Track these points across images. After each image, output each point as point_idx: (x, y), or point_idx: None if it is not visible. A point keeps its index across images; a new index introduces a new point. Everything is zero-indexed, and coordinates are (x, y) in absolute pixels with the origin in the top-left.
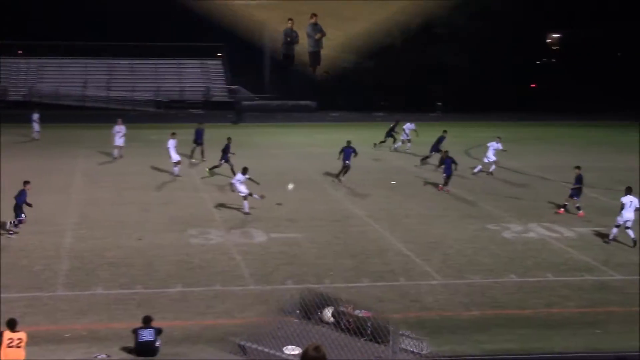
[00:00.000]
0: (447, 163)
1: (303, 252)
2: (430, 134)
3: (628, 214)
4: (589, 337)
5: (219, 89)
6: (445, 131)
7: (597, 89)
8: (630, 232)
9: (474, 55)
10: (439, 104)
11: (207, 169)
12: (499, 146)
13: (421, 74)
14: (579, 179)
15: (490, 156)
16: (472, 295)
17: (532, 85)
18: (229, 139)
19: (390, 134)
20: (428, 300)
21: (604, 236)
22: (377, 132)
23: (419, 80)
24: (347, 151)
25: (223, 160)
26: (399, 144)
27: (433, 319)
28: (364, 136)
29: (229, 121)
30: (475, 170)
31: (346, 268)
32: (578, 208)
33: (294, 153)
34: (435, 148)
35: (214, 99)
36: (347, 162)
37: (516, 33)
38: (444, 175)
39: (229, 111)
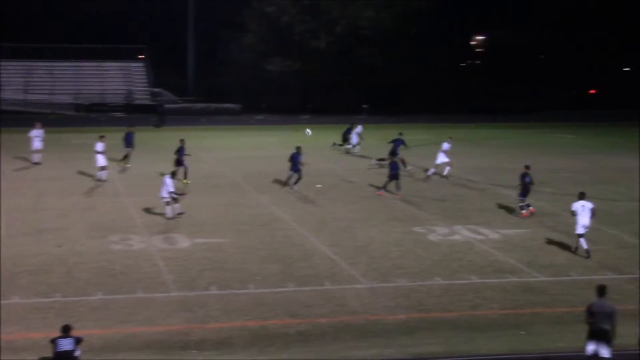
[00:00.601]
0: (394, 167)
1: (227, 257)
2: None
3: (583, 220)
4: (513, 338)
5: (141, 92)
6: (401, 133)
7: (520, 90)
8: (583, 242)
9: (400, 56)
10: (365, 105)
11: (182, 180)
12: (449, 147)
13: (347, 76)
14: (523, 177)
15: (442, 158)
16: (398, 299)
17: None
18: (181, 140)
19: (346, 137)
20: (354, 305)
21: (528, 238)
22: (303, 135)
23: (345, 82)
24: (297, 157)
25: (182, 165)
26: (349, 146)
27: (359, 323)
28: (290, 139)
29: (151, 124)
30: (429, 173)
31: (272, 273)
32: (521, 208)
33: (217, 157)
34: (394, 151)
35: (136, 102)
36: (296, 169)
37: (442, 35)
38: (388, 179)
39: (151, 114)
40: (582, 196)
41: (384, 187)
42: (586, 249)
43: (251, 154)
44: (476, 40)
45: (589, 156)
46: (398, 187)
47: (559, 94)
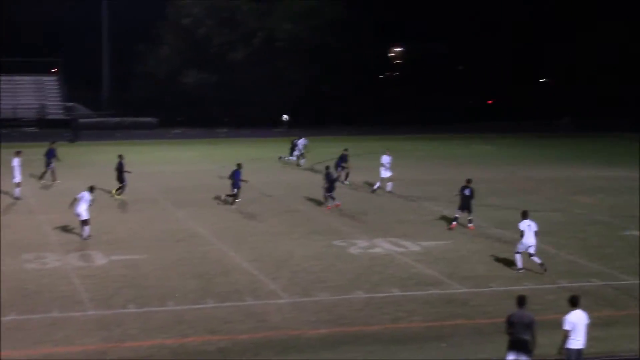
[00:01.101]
0: (329, 178)
1: (145, 274)
2: (275, 149)
3: (529, 240)
4: (435, 351)
5: (54, 106)
6: (346, 149)
7: (438, 101)
8: (536, 259)
9: (318, 68)
10: (285, 118)
11: (116, 194)
12: (389, 159)
13: (265, 88)
14: (473, 192)
15: (384, 172)
16: (320, 313)
17: (489, 102)
18: (120, 156)
19: (294, 150)
20: (275, 320)
21: (449, 250)
22: (221, 149)
23: (264, 94)
24: (237, 174)
25: (124, 182)
26: (293, 158)
27: (280, 338)
28: (208, 153)
29: (65, 139)
30: (375, 187)
31: (191, 289)
32: (455, 219)
33: (134, 172)
34: (340, 165)
35: (49, 116)
36: (237, 186)
37: (360, 46)
38: (327, 193)
39: (65, 129)
40: (525, 215)
41: (326, 200)
42: (540, 263)
43: (168, 168)
44: (394, 52)
45: (508, 167)
46: (332, 198)
47: (475, 105)
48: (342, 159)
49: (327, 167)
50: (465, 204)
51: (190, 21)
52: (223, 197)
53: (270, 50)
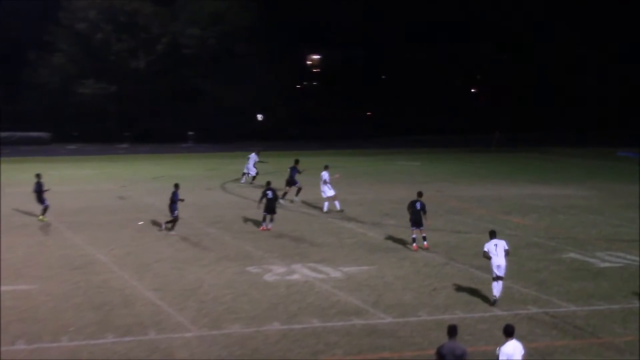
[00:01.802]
0: (268, 195)
1: (37, 306)
2: (180, 166)
3: (498, 260)
4: None
5: None
6: (297, 161)
7: (361, 114)
8: (496, 287)
9: (227, 78)
10: (191, 133)
11: (42, 217)
12: (328, 176)
13: (170, 99)
14: (423, 206)
15: (327, 190)
16: (231, 347)
17: (368, 114)
18: (38, 175)
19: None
20: (182, 355)
21: (373, 276)
22: (122, 167)
23: (169, 105)
24: (176, 196)
25: (44, 203)
26: (244, 179)
27: None
28: (108, 171)
29: None
30: (324, 209)
31: (88, 322)
32: (424, 238)
33: (24, 192)
34: (291, 180)
35: None
36: (175, 209)
37: (273, 54)
38: (265, 212)
39: None
40: (493, 235)
41: (264, 220)
42: (494, 297)
43: (63, 188)
44: (311, 60)
45: (435, 185)
46: (270, 220)
47: (400, 119)
48: (295, 172)
49: (268, 183)
50: (417, 220)
51: (86, 26)
52: (164, 226)
53: (175, 57)
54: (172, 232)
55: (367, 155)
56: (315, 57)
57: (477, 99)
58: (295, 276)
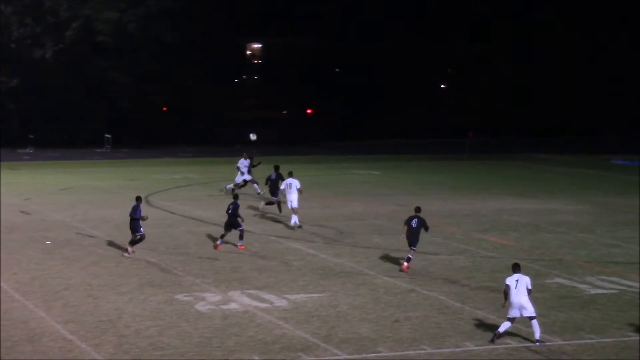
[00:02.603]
0: (233, 209)
1: None
2: (94, 175)
3: (517, 298)
4: None
5: None
6: (277, 166)
7: (312, 114)
8: (535, 327)
9: (151, 70)
10: (108, 136)
11: None
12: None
13: (83, 95)
14: (423, 222)
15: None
16: None
17: (308, 111)
18: None
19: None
20: None
21: (325, 304)
22: (25, 175)
23: (81, 103)
24: (138, 212)
25: None
26: (230, 185)
27: None
28: (8, 181)
29: None
30: (292, 222)
31: None
32: (408, 259)
33: None
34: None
35: None
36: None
37: (208, 43)
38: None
39: None
40: (516, 268)
41: (222, 237)
42: (500, 332)
43: None
44: (252, 50)
45: (398, 198)
46: (240, 237)
47: (357, 120)
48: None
49: (236, 197)
50: (414, 239)
51: None
52: (130, 250)
53: (88, 46)
54: (127, 254)
55: (318, 162)
56: (256, 46)
57: (448, 97)
58: (232, 305)
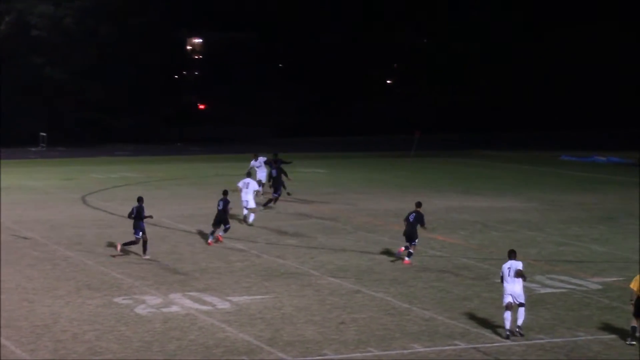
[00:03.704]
0: (223, 204)
1: None
2: (28, 174)
3: (510, 286)
4: None
5: None
6: (276, 160)
7: (250, 109)
8: (520, 314)
9: (90, 67)
10: (43, 134)
11: None
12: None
13: (16, 92)
14: (420, 217)
15: (250, 200)
16: None
17: (200, 107)
18: None
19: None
20: None
21: (269, 306)
22: None
23: (14, 101)
24: (143, 212)
25: None
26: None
27: None
28: None
29: None
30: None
31: None
32: (409, 254)
33: None
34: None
35: None
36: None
37: (146, 38)
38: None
39: None
40: (512, 254)
41: (212, 234)
42: (510, 329)
43: None
44: (192, 45)
45: (344, 196)
46: (225, 230)
47: (301, 116)
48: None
49: (225, 193)
50: (410, 233)
51: None
52: (119, 248)
53: (22, 41)
54: (146, 256)
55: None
56: (197, 41)
57: (395, 93)
58: (173, 308)
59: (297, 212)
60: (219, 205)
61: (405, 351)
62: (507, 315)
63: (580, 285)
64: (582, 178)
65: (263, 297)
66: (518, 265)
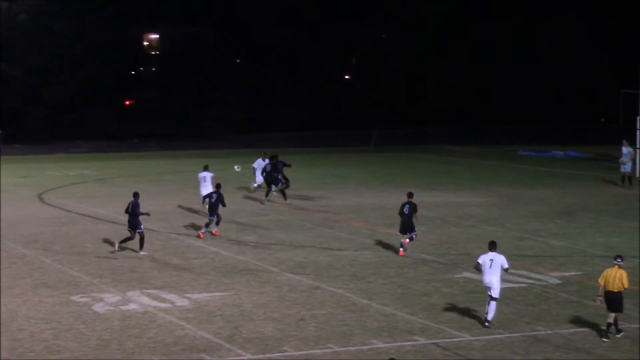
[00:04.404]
0: (214, 199)
1: None
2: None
3: (489, 277)
4: None
5: None
6: (273, 156)
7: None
8: (491, 308)
9: (41, 63)
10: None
11: None
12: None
13: None
14: (414, 208)
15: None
16: None
17: (126, 103)
18: None
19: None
20: None
21: (228, 303)
22: None
23: None
24: (138, 208)
25: None
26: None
27: None
28: None
29: None
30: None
31: None
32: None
33: None
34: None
35: None
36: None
37: (102, 33)
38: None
39: None
40: (492, 246)
41: (206, 225)
42: (486, 319)
43: None
44: (149, 40)
45: (302, 192)
46: (216, 223)
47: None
48: (281, 165)
49: (218, 186)
50: (405, 224)
51: None
52: (117, 246)
53: None
54: (143, 252)
55: (217, 157)
56: (153, 36)
57: (353, 88)
58: (131, 306)
59: (255, 209)
60: (211, 197)
61: (364, 347)
62: (493, 305)
63: (539, 280)
64: (540, 173)
65: (222, 294)
66: (503, 259)
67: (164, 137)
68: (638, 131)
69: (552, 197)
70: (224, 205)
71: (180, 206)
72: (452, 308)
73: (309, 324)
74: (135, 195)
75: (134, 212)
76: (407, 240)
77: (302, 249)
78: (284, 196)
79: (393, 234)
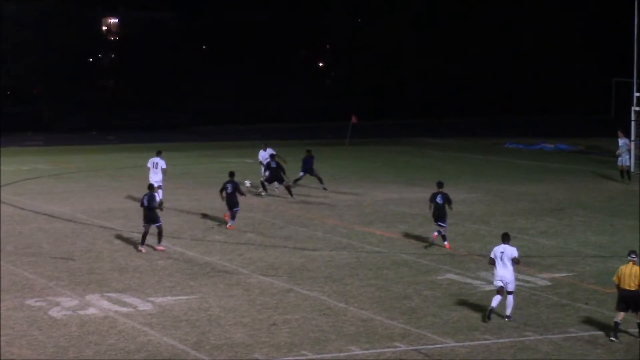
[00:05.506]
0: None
1: None
2: None
3: (501, 271)
4: None
5: None
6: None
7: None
8: (509, 302)
9: None
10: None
11: None
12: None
13: None
14: (447, 198)
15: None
16: None
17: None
18: None
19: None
20: None
21: (195, 307)
22: None
23: None
24: (154, 202)
25: None
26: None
27: None
28: None
29: None
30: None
31: None
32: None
33: None
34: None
35: None
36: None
37: (57, 18)
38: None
39: None
40: (505, 238)
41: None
42: (492, 308)
43: None
44: (107, 25)
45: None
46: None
47: (226, 103)
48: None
49: (232, 174)
50: (440, 215)
51: None
52: (141, 249)
53: None
54: (160, 247)
55: (185, 150)
56: (113, 20)
57: (328, 77)
58: (90, 310)
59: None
60: (227, 189)
61: (341, 354)
62: (497, 297)
63: (527, 282)
64: (528, 167)
65: (188, 297)
66: (512, 250)
67: (124, 129)
68: (633, 122)
69: (541, 193)
70: (242, 194)
71: (128, 204)
72: (434, 312)
73: (282, 329)
74: (150, 187)
75: (149, 206)
76: (436, 233)
77: (274, 249)
78: (290, 193)
79: (371, 233)
